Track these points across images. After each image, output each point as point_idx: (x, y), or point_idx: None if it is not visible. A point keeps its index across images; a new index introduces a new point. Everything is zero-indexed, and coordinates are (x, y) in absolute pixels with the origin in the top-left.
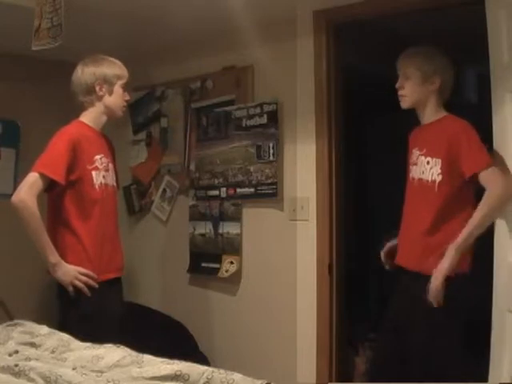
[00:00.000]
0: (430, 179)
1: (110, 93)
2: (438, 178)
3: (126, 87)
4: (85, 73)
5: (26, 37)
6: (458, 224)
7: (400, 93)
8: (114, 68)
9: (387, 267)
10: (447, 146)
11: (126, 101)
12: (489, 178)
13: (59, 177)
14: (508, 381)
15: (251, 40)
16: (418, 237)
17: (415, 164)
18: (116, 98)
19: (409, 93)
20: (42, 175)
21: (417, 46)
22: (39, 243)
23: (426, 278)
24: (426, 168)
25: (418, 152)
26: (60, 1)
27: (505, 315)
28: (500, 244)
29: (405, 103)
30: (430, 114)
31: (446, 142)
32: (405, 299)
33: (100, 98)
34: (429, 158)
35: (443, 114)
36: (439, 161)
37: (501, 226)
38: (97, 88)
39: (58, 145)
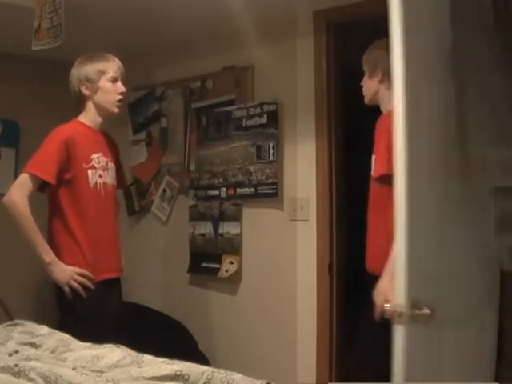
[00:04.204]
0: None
1: (96, 90)
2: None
3: (117, 79)
4: (71, 76)
5: (26, 37)
6: None
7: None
8: (96, 64)
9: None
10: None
11: (121, 93)
12: None
13: (49, 177)
14: None
15: (251, 40)
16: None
17: None
18: (104, 94)
19: None
20: (32, 176)
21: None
22: (32, 243)
23: None
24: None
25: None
26: (60, 1)
27: None
28: None
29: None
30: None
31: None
32: None
33: (88, 98)
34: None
35: None
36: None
37: None
38: (82, 89)
39: (50, 145)
